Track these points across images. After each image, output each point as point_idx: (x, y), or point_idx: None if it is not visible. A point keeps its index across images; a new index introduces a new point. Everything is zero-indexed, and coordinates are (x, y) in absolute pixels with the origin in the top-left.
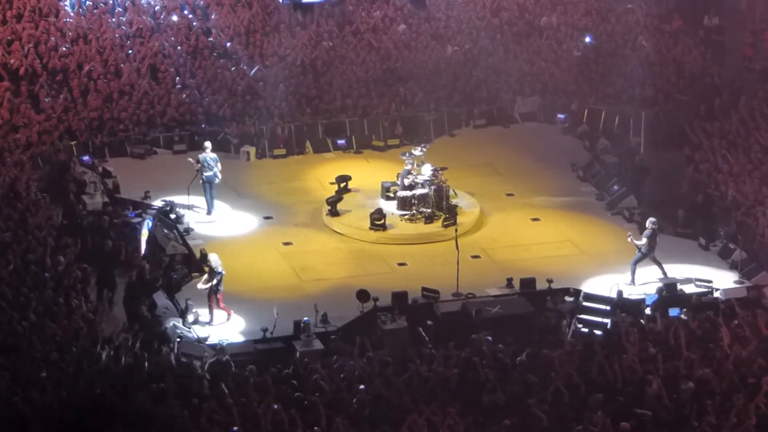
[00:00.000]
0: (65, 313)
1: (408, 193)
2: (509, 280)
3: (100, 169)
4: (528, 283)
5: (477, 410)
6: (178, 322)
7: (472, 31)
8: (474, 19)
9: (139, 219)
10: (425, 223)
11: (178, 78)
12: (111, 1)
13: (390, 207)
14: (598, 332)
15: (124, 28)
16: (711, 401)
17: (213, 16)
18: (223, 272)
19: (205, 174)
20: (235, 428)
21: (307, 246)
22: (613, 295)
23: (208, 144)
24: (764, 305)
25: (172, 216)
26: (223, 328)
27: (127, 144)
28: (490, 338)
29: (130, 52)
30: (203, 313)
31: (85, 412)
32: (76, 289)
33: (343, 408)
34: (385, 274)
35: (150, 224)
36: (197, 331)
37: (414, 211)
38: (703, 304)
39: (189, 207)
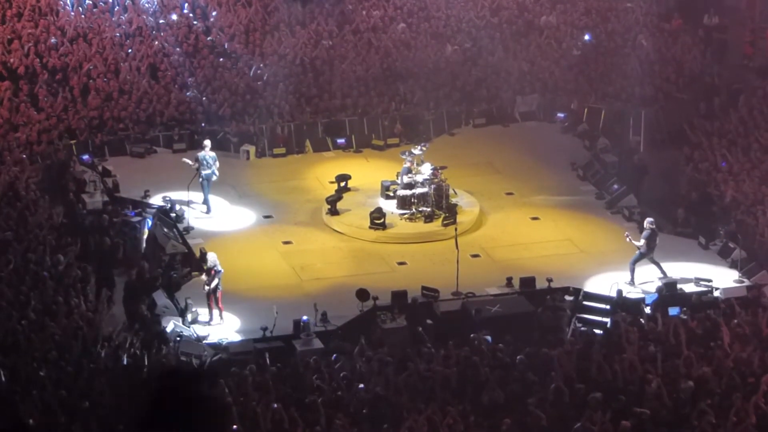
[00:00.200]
0: (65, 312)
1: (408, 192)
2: (509, 279)
3: (100, 168)
4: (528, 282)
5: (477, 409)
6: (178, 321)
7: (472, 30)
8: (473, 18)
9: (139, 218)
10: (425, 222)
11: (177, 77)
12: (111, 0)
13: (390, 206)
14: (598, 331)
15: (123, 27)
16: (711, 400)
17: (213, 15)
18: (222, 270)
19: (204, 172)
20: (235, 427)
21: (306, 245)
22: (613, 294)
23: (207, 142)
24: (764, 304)
25: (172, 215)
26: (222, 327)
27: (126, 143)
28: (489, 337)
29: (129, 51)
30: (203, 312)
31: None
32: (76, 288)
33: (342, 407)
34: (384, 273)
35: (150, 223)
36: (197, 330)
37: (414, 210)
38: (703, 303)
39: (188, 203)
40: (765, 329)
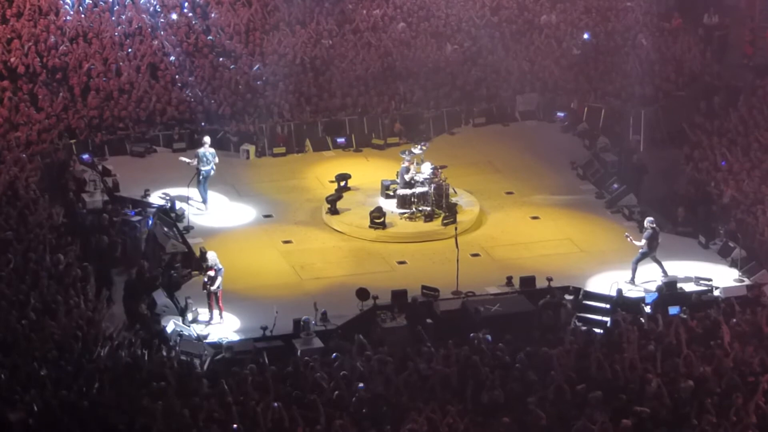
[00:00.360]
0: (64, 312)
1: (408, 191)
2: (509, 279)
3: (100, 167)
4: (528, 282)
5: (476, 408)
6: (178, 321)
7: (472, 29)
8: (473, 18)
9: (139, 217)
10: (425, 221)
11: (177, 76)
12: (111, 0)
13: (390, 205)
14: (598, 330)
15: (122, 27)
16: (710, 399)
17: (213, 15)
18: (222, 268)
19: (204, 168)
20: (235, 426)
21: (306, 244)
22: (613, 293)
23: (207, 139)
24: (764, 303)
25: (172, 214)
26: (222, 326)
27: (126, 142)
28: (489, 337)
29: (129, 50)
30: (203, 311)
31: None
32: (76, 288)
33: (342, 406)
34: (384, 272)
35: (149, 223)
36: (197, 330)
37: (414, 210)
38: (703, 302)
39: (186, 199)
40: (765, 328)
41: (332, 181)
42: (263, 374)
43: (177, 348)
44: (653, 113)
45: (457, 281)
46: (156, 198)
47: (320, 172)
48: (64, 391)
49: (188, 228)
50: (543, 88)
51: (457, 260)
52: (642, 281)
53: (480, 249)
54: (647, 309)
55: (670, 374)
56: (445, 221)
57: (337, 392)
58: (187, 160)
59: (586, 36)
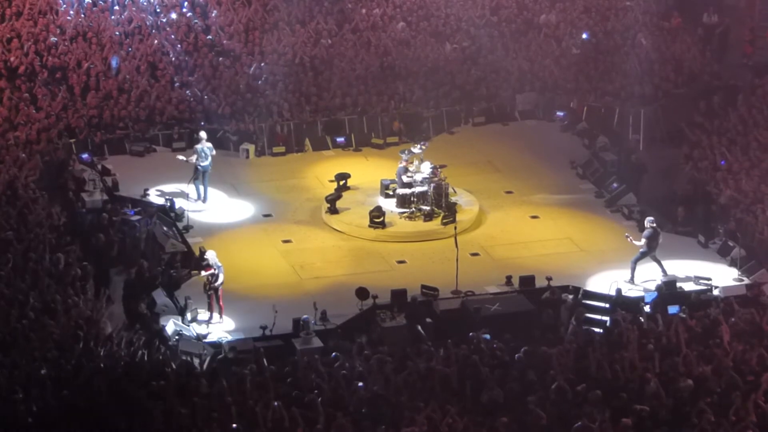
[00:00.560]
0: (63, 311)
1: (407, 190)
2: (508, 278)
3: (99, 166)
4: (527, 281)
5: (476, 408)
6: (178, 320)
7: (471, 28)
8: (473, 17)
9: (138, 217)
10: (424, 220)
11: (177, 76)
12: None
13: (389, 205)
14: (597, 330)
15: (122, 26)
16: (710, 399)
17: (212, 14)
18: (222, 266)
19: (202, 164)
20: (235, 426)
21: (306, 244)
22: (612, 292)
23: (203, 134)
24: (763, 302)
25: (172, 214)
26: (222, 326)
27: (126, 142)
28: (488, 336)
29: (129, 50)
30: (202, 311)
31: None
32: (75, 287)
33: (341, 406)
34: (384, 271)
35: (148, 223)
36: (196, 329)
37: (413, 209)
38: (702, 301)
39: (185, 195)
40: (764, 327)
41: (332, 181)
42: (262, 374)
43: (176, 348)
44: (653, 112)
45: (456, 281)
46: (154, 194)
47: (320, 172)
48: (64, 391)
49: (188, 227)
50: (542, 87)
51: (457, 259)
52: (641, 280)
53: (479, 248)
54: (647, 308)
55: (669, 374)
56: (444, 221)
57: (336, 392)
58: (185, 158)
59: (584, 36)
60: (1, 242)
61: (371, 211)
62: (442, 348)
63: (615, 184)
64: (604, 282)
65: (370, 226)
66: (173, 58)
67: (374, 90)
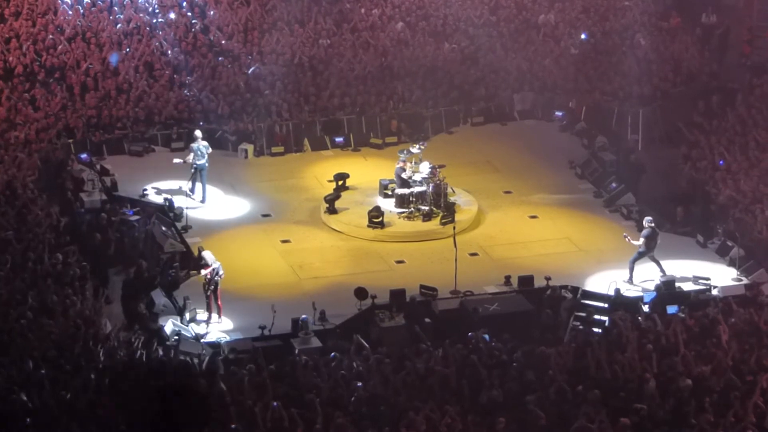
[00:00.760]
0: (62, 311)
1: (406, 190)
2: (507, 278)
3: (98, 166)
4: (526, 281)
5: (475, 408)
6: (176, 320)
7: (470, 28)
8: (472, 17)
9: (137, 217)
10: (423, 220)
11: (175, 76)
12: None
13: (388, 205)
14: (596, 330)
15: (120, 26)
16: (709, 399)
17: (211, 14)
18: (220, 264)
19: (198, 162)
20: (234, 426)
21: (305, 244)
22: (611, 292)
23: (198, 133)
24: (762, 302)
25: (171, 214)
26: (220, 326)
27: (124, 142)
28: (487, 336)
29: (128, 50)
30: (201, 310)
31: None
32: (74, 287)
33: (341, 406)
34: (383, 271)
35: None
36: (195, 329)
37: (412, 209)
38: (701, 301)
39: (184, 193)
40: (763, 327)
41: (330, 181)
42: (261, 374)
43: (175, 347)
44: (651, 112)
45: (455, 280)
46: (151, 191)
47: (318, 172)
48: (62, 391)
49: (186, 227)
50: (541, 87)
51: (456, 259)
52: (640, 280)
53: (478, 248)
54: (645, 308)
55: (668, 373)
56: (443, 220)
57: (335, 392)
58: (181, 160)
59: (583, 36)
60: (0, 242)
61: (370, 211)
62: (441, 348)
63: (614, 184)
64: (603, 282)
65: (368, 226)
66: (172, 58)
67: (373, 90)
